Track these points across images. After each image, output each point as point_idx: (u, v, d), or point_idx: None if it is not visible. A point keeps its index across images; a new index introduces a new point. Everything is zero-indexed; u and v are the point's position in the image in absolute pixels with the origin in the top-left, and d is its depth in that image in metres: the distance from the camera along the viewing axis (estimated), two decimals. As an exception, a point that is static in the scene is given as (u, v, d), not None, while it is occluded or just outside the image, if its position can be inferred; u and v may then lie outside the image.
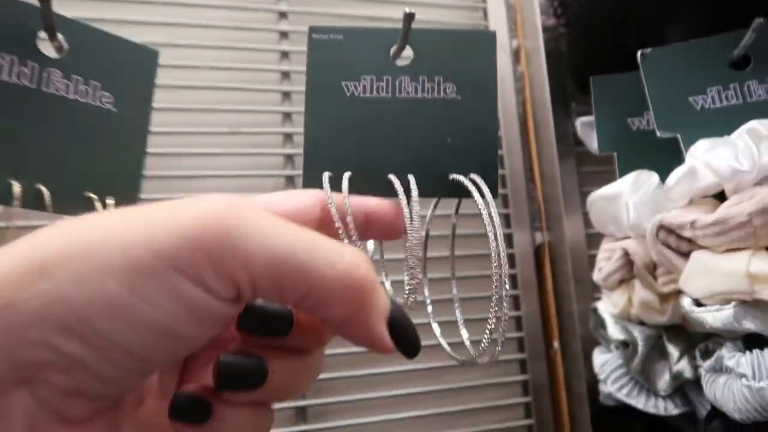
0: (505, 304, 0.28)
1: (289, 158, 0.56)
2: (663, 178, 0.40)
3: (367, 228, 0.27)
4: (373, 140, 0.36)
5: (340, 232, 0.27)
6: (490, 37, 0.39)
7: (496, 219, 0.32)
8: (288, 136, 0.56)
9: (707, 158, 0.35)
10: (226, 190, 0.54)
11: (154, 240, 0.15)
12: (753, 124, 0.35)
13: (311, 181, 0.35)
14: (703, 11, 0.44)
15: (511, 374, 0.56)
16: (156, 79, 0.39)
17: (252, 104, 0.56)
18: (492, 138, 0.38)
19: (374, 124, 0.37)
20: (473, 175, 0.37)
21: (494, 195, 0.37)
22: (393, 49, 0.38)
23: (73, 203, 0.34)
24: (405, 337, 0.19)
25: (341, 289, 0.17)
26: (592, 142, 0.53)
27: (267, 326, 0.18)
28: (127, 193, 0.36)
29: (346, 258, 0.17)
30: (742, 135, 0.35)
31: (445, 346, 0.35)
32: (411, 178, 0.35)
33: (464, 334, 0.37)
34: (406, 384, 0.53)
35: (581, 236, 0.56)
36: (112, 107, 0.37)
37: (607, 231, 0.45)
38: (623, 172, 0.45)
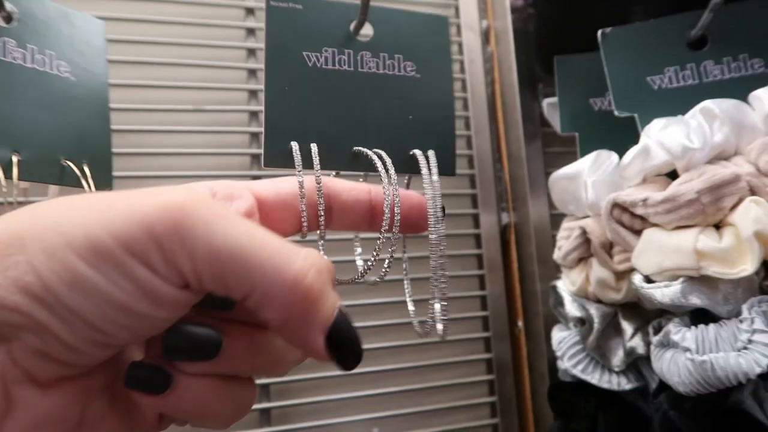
0: (443, 284, 0.28)
1: (255, 136, 0.55)
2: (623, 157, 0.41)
3: (374, 218, 0.26)
4: (337, 113, 0.36)
5: (303, 219, 0.26)
6: (442, 21, 0.40)
7: (438, 198, 0.32)
8: (254, 114, 0.56)
9: (660, 137, 0.35)
10: (190, 168, 0.53)
11: (112, 224, 0.17)
12: (706, 103, 0.35)
13: (273, 153, 0.35)
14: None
15: (475, 352, 0.57)
16: (105, 48, 0.39)
17: (217, 81, 0.55)
18: (449, 116, 0.38)
19: (338, 96, 0.36)
20: (429, 152, 0.37)
21: (451, 171, 0.37)
22: (353, 24, 0.38)
23: (49, 170, 0.33)
24: (343, 350, 0.19)
25: (283, 295, 0.17)
26: (558, 123, 0.53)
27: (210, 299, 0.18)
28: (100, 158, 0.36)
29: (295, 265, 0.17)
30: (695, 114, 0.35)
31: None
32: (382, 153, 0.35)
33: (410, 307, 0.37)
34: (371, 362, 0.53)
35: (546, 217, 0.57)
36: (70, 76, 0.36)
37: (567, 210, 0.45)
38: (585, 152, 0.45)
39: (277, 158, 0.35)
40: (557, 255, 0.44)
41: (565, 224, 0.44)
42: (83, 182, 0.33)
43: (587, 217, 0.43)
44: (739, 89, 0.38)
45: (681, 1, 0.43)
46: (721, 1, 0.37)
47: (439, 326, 0.31)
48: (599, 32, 0.41)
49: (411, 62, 0.38)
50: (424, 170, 0.34)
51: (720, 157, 0.35)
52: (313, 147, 0.34)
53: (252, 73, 0.56)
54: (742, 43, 0.39)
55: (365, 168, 0.36)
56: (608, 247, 0.40)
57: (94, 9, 0.51)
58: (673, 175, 0.36)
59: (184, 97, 0.54)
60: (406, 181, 0.37)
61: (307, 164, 0.34)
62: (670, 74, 0.40)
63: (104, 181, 0.34)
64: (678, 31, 0.40)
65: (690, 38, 0.40)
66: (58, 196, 0.34)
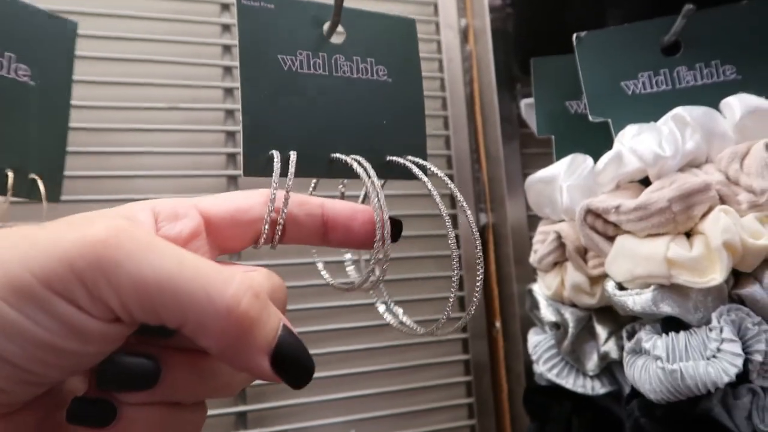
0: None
1: (231, 135, 0.54)
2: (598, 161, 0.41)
3: (327, 233, 0.26)
4: (314, 119, 0.35)
5: (264, 232, 0.26)
6: (410, 25, 0.39)
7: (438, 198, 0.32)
8: (229, 113, 0.55)
9: (633, 144, 0.35)
10: (164, 167, 0.52)
11: (33, 263, 0.16)
12: (678, 110, 0.35)
13: (254, 161, 0.34)
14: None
15: (453, 354, 0.57)
16: (75, 52, 0.37)
17: (191, 78, 0.54)
18: (420, 122, 0.38)
19: (315, 101, 0.36)
20: (411, 158, 0.36)
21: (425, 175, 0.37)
22: (326, 26, 0.37)
23: None
24: (291, 370, 0.19)
25: (217, 323, 0.17)
26: (535, 124, 0.53)
27: (147, 326, 0.18)
28: (51, 168, 0.35)
29: (228, 292, 0.17)
30: (667, 121, 0.36)
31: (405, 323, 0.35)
32: (362, 160, 0.35)
33: (399, 311, 0.37)
34: (348, 364, 0.53)
35: (523, 218, 0.57)
36: (29, 80, 0.35)
37: (543, 214, 0.45)
38: (561, 155, 0.45)
39: (257, 167, 0.34)
40: (533, 258, 0.44)
41: (541, 228, 0.44)
42: (28, 194, 0.32)
43: (563, 221, 0.43)
44: (711, 95, 0.38)
45: (657, 4, 0.43)
46: (693, 8, 0.37)
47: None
48: (574, 36, 0.41)
49: (383, 66, 0.38)
50: (422, 176, 0.34)
51: (691, 164, 0.35)
52: (292, 155, 0.34)
53: (227, 70, 0.55)
54: (715, 50, 0.39)
55: (342, 174, 0.36)
56: (583, 252, 0.40)
57: (65, 3, 0.50)
58: (646, 181, 0.36)
59: (158, 95, 0.53)
60: (382, 184, 0.37)
61: (286, 172, 0.34)
62: (643, 79, 0.40)
63: (53, 193, 0.33)
64: (652, 36, 0.40)
65: (664, 44, 0.40)
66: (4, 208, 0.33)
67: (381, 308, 0.39)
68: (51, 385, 0.18)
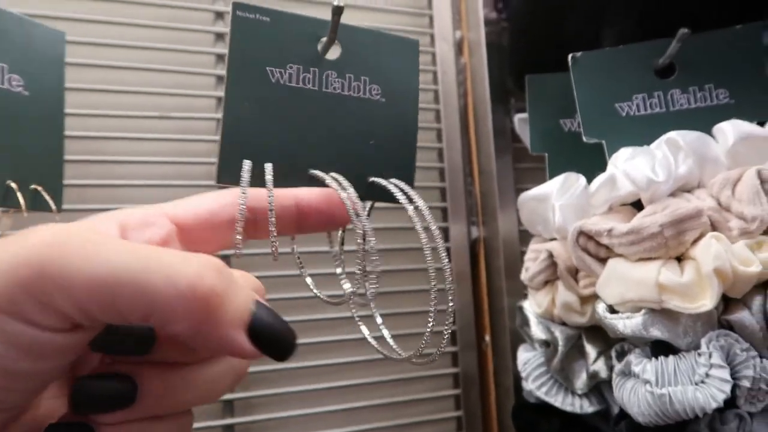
0: (450, 318, 0.29)
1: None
2: (591, 180, 0.41)
3: (301, 221, 0.26)
4: (297, 133, 0.35)
5: (237, 231, 0.26)
6: (413, 46, 0.39)
7: (436, 231, 0.32)
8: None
9: (626, 167, 0.35)
10: (155, 176, 0.52)
11: None
12: (672, 135, 0.35)
13: (228, 169, 0.34)
14: (636, 14, 0.44)
15: (442, 367, 0.57)
16: (65, 61, 0.37)
17: (184, 87, 0.53)
18: (412, 144, 0.37)
19: (300, 115, 0.35)
20: (395, 181, 0.36)
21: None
22: (321, 42, 0.37)
23: None
24: (271, 342, 0.18)
25: (184, 304, 0.16)
26: (528, 140, 0.53)
27: (121, 346, 0.18)
28: (50, 178, 0.34)
29: (190, 270, 0.16)
30: (660, 145, 0.36)
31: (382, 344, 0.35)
32: (340, 178, 0.35)
33: (386, 333, 0.37)
34: (337, 377, 0.53)
35: (515, 232, 0.57)
36: (23, 90, 0.34)
37: (535, 231, 0.45)
38: (554, 173, 0.45)
39: (230, 175, 0.34)
40: (524, 276, 0.44)
41: (533, 246, 0.45)
42: (31, 205, 0.32)
43: (554, 239, 0.43)
44: (705, 119, 0.38)
45: (651, 25, 0.44)
46: (688, 32, 0.38)
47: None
48: (570, 56, 0.41)
49: (377, 85, 0.37)
50: (402, 199, 0.34)
51: (684, 188, 0.35)
52: (267, 167, 0.34)
53: (220, 79, 0.55)
54: (709, 74, 0.40)
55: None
56: (574, 272, 0.40)
57: (56, 9, 0.49)
58: (638, 204, 0.36)
59: (150, 103, 0.52)
60: (367, 209, 0.37)
61: (260, 184, 0.34)
62: (638, 101, 0.40)
63: (56, 202, 0.33)
64: (647, 58, 0.41)
65: (658, 66, 0.40)
66: (5, 220, 0.32)
67: (364, 329, 0.38)
68: (15, 410, 0.17)
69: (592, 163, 0.41)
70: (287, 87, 0.35)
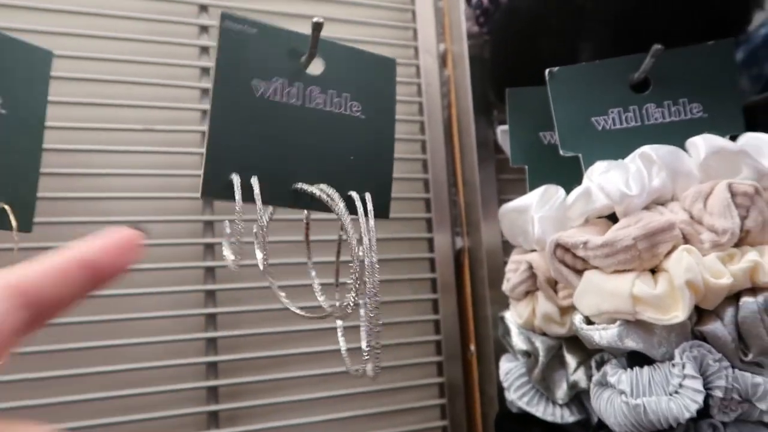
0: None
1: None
2: (571, 192, 0.42)
3: (94, 283, 0.20)
4: (281, 147, 0.36)
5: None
6: (390, 64, 0.40)
7: (373, 243, 0.33)
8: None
9: (601, 181, 0.36)
10: (138, 189, 0.52)
11: None
12: (645, 149, 0.36)
13: (213, 181, 0.34)
14: (611, 31, 0.45)
15: (428, 376, 0.57)
16: (49, 81, 0.37)
17: (168, 100, 0.54)
18: (389, 160, 0.38)
19: (283, 130, 0.36)
20: (366, 195, 0.37)
21: (385, 215, 0.37)
22: (304, 57, 0.37)
23: None
24: None
25: None
26: (510, 152, 0.54)
27: None
28: (23, 197, 0.35)
29: None
30: (635, 159, 0.37)
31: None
32: (328, 190, 0.36)
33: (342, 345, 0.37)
34: (322, 387, 0.53)
35: (498, 243, 0.58)
36: (1, 109, 0.34)
37: (516, 242, 0.46)
38: (534, 184, 0.46)
39: (215, 190, 0.34)
40: (505, 287, 0.45)
41: (514, 257, 0.45)
42: (7, 224, 0.32)
43: (534, 250, 0.43)
44: (679, 133, 0.39)
45: (626, 40, 0.45)
46: (661, 48, 0.39)
47: (369, 367, 0.32)
48: (547, 71, 0.42)
49: (357, 102, 0.38)
50: (360, 213, 0.35)
51: (657, 201, 0.36)
52: (254, 181, 0.34)
53: (205, 92, 0.55)
54: (682, 88, 0.41)
55: (306, 205, 0.36)
56: (554, 283, 0.41)
57: (40, 23, 0.50)
58: (614, 216, 0.37)
59: (133, 116, 0.53)
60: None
61: (246, 197, 0.34)
62: (614, 115, 0.41)
63: (25, 222, 0.33)
64: (622, 73, 0.41)
65: (633, 81, 0.41)
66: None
67: (341, 339, 0.39)
68: None
69: (571, 176, 0.42)
70: (271, 102, 0.35)
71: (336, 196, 0.35)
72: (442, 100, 0.62)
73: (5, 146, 0.33)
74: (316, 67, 0.38)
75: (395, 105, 0.39)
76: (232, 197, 0.34)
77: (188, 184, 0.54)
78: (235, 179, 0.34)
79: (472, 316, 0.59)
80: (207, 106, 0.55)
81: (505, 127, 0.55)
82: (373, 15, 0.63)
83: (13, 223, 0.32)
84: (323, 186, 0.35)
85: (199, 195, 0.54)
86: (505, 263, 0.56)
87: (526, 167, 0.47)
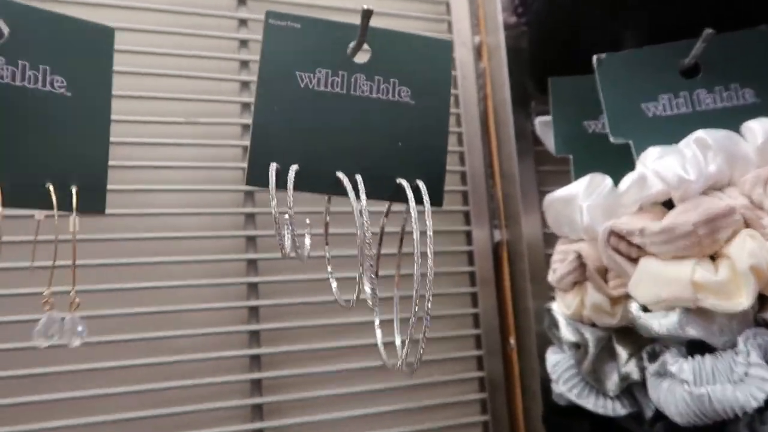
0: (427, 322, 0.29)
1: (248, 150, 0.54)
2: (617, 181, 0.41)
3: None
4: (325, 136, 0.36)
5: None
6: (446, 46, 0.39)
7: (430, 231, 0.33)
8: (246, 127, 0.55)
9: (656, 166, 0.35)
10: (181, 182, 0.52)
11: None
12: (700, 133, 0.35)
13: (257, 172, 0.34)
14: (655, 18, 0.44)
15: (468, 371, 0.57)
16: (113, 58, 0.37)
17: (209, 93, 0.54)
18: (441, 146, 0.38)
19: (327, 119, 0.36)
20: (419, 181, 0.36)
21: (439, 203, 0.37)
22: (351, 45, 0.37)
23: (32, 196, 0.32)
24: None
25: None
26: (550, 142, 0.53)
27: None
28: (93, 180, 0.34)
29: None
30: (689, 144, 0.36)
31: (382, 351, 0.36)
32: (359, 178, 0.35)
33: (397, 340, 0.37)
34: (362, 381, 0.53)
35: (539, 235, 0.57)
36: (66, 91, 0.34)
37: (562, 233, 0.45)
38: (579, 174, 0.46)
39: (259, 178, 0.34)
40: (552, 278, 0.44)
41: (560, 247, 0.45)
42: (69, 206, 0.32)
43: (581, 240, 0.43)
44: (731, 119, 0.38)
45: (672, 26, 0.44)
46: (712, 32, 0.38)
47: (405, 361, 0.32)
48: (594, 58, 0.41)
49: (407, 87, 0.38)
50: (412, 203, 0.34)
51: (714, 187, 0.35)
52: (291, 170, 0.34)
53: (245, 85, 0.55)
54: (734, 73, 0.40)
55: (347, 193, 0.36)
56: (603, 272, 0.40)
57: (82, 15, 0.50)
58: (668, 203, 0.36)
59: (174, 109, 0.53)
60: (385, 209, 0.37)
61: (286, 186, 0.34)
62: (664, 102, 0.40)
63: (97, 204, 0.33)
64: (671, 58, 0.41)
65: (683, 66, 0.40)
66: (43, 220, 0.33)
67: (378, 333, 0.38)
68: None
69: (616, 164, 0.41)
70: (315, 91, 0.35)
71: (363, 189, 0.34)
72: (478, 92, 0.62)
73: (73, 129, 0.33)
74: (362, 56, 0.38)
75: (450, 89, 0.38)
76: (276, 185, 0.34)
77: (229, 177, 0.54)
78: (271, 167, 0.34)
79: (512, 309, 0.58)
80: (247, 98, 0.55)
81: (544, 118, 0.54)
82: (407, 7, 0.63)
83: (75, 204, 0.32)
84: (358, 177, 0.35)
85: (243, 184, 0.55)
86: (547, 256, 0.56)
87: (571, 157, 0.47)
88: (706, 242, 0.32)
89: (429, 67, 0.38)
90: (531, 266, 0.56)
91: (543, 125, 0.54)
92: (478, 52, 0.63)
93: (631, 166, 0.39)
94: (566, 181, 0.46)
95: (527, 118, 0.58)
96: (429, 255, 0.32)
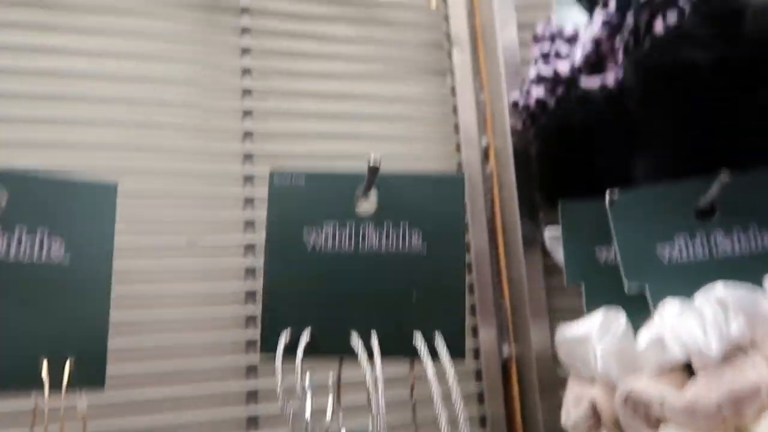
0: None
1: (251, 272, 0.53)
2: (630, 312, 0.40)
3: None
4: (336, 297, 0.35)
5: None
6: (458, 182, 0.38)
7: (456, 392, 0.31)
8: (249, 247, 0.54)
9: (675, 326, 0.34)
10: (181, 295, 0.51)
11: None
12: (720, 293, 0.34)
13: (271, 339, 0.34)
14: (668, 148, 0.43)
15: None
16: (115, 218, 0.36)
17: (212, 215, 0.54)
18: (458, 294, 0.36)
19: (337, 279, 0.35)
20: (437, 334, 0.35)
21: (459, 354, 0.36)
22: (356, 196, 0.37)
23: (25, 373, 0.30)
24: None
25: None
26: (560, 257, 0.52)
27: None
28: (90, 351, 0.32)
29: None
30: (710, 302, 0.34)
31: None
32: (374, 341, 0.34)
33: None
34: None
35: (548, 345, 0.55)
36: (63, 259, 0.33)
37: (574, 369, 0.44)
38: (591, 304, 0.44)
39: (273, 344, 0.34)
40: (565, 421, 0.42)
41: (574, 388, 0.43)
42: (74, 380, 0.31)
43: (594, 379, 0.41)
44: (752, 266, 0.37)
45: (686, 158, 0.43)
46: (727, 176, 0.37)
47: None
48: (607, 197, 0.40)
49: (418, 229, 0.37)
50: (426, 359, 0.33)
51: (735, 349, 0.34)
52: (303, 336, 0.33)
53: (248, 134, 0.54)
54: (752, 215, 0.39)
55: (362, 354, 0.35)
56: (620, 424, 0.38)
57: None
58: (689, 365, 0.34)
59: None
60: (408, 364, 0.36)
61: (306, 350, 0.33)
62: (680, 244, 0.39)
63: (95, 378, 0.32)
64: (686, 198, 0.40)
65: (698, 207, 0.39)
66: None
67: None
68: None
69: (629, 296, 0.40)
70: (323, 253, 0.35)
71: (378, 354, 0.33)
72: (485, 196, 0.61)
73: (71, 301, 0.32)
74: (369, 204, 0.37)
75: (463, 228, 0.37)
76: (291, 352, 0.33)
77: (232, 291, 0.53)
78: (282, 336, 0.33)
79: (521, 422, 0.56)
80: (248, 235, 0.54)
81: (554, 231, 0.53)
82: (413, 110, 0.63)
83: (66, 377, 0.31)
84: (374, 341, 0.34)
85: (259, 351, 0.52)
86: (557, 370, 0.54)
87: (583, 286, 0.45)
88: (731, 421, 0.30)
89: (440, 206, 0.37)
90: (540, 379, 0.55)
91: (553, 241, 0.53)
92: (485, 154, 0.63)
93: (644, 302, 0.38)
94: (575, 294, 0.44)
95: (536, 228, 0.57)
96: (460, 422, 0.31)
